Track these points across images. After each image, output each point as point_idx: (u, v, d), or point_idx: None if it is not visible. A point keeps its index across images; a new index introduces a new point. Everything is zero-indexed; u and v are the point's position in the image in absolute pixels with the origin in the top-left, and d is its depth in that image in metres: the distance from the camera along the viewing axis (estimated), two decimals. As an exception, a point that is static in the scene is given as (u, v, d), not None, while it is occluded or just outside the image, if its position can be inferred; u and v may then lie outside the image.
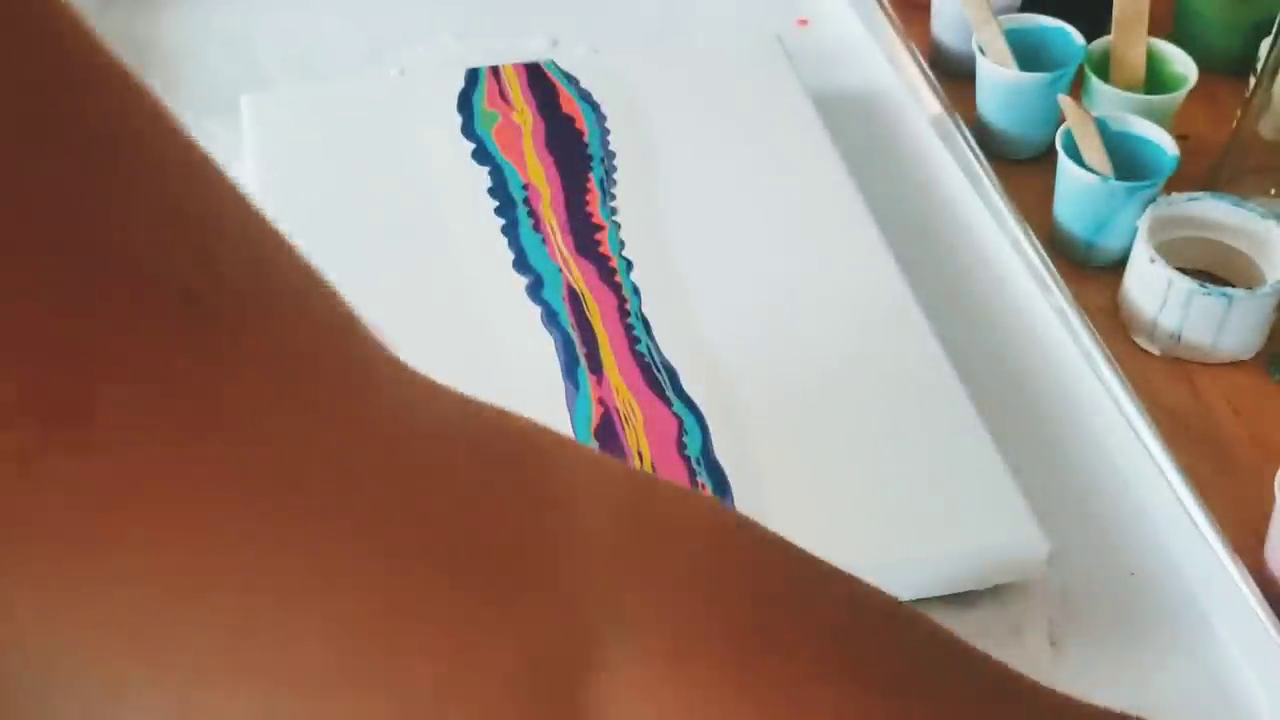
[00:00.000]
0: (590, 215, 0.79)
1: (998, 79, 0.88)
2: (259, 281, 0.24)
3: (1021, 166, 0.89)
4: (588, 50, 0.98)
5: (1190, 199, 0.78)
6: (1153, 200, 0.78)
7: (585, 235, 0.77)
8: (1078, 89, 0.88)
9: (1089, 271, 0.82)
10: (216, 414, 0.21)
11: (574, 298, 0.74)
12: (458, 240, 0.77)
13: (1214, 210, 0.78)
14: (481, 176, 0.81)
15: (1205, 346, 0.76)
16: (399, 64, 0.97)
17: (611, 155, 0.83)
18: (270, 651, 0.22)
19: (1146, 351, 0.78)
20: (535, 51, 0.98)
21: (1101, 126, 0.80)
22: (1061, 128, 0.81)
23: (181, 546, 0.21)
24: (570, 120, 0.85)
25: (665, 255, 0.76)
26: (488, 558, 0.25)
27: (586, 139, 0.84)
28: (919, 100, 0.91)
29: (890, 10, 0.98)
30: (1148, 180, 0.78)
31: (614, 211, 0.79)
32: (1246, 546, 0.64)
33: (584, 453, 0.32)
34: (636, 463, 0.65)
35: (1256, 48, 0.89)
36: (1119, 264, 0.80)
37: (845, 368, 0.70)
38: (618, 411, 0.67)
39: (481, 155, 0.83)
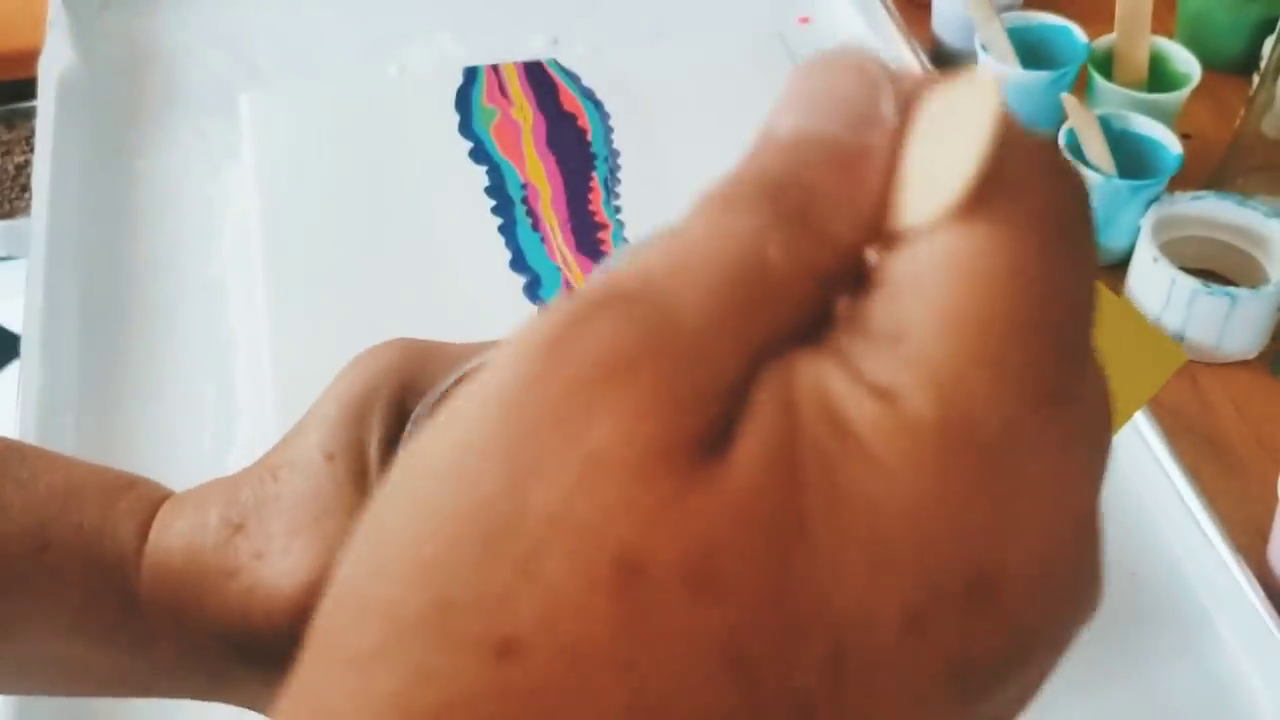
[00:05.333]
0: (593, 214, 0.78)
1: (1000, 77, 0.87)
2: None
3: (1024, 165, 0.89)
4: (588, 49, 0.97)
5: (1194, 198, 0.78)
6: (1156, 199, 0.78)
7: (587, 234, 0.77)
8: (1081, 87, 0.87)
9: (1092, 270, 0.82)
10: None
11: (574, 297, 0.73)
12: (454, 240, 0.77)
13: (1217, 209, 0.78)
14: (479, 175, 0.81)
15: (1209, 346, 0.75)
16: (398, 63, 0.97)
17: (616, 154, 0.82)
18: None
19: (1149, 351, 0.77)
20: (535, 50, 0.97)
21: (1104, 125, 0.80)
22: (1064, 126, 0.80)
23: None
24: (572, 118, 0.85)
25: (666, 254, 0.76)
26: None
27: (589, 137, 0.84)
28: (921, 99, 0.91)
29: (892, 8, 0.98)
30: (1151, 179, 0.78)
31: (618, 210, 0.79)
32: (1250, 547, 0.64)
33: None
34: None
35: (1260, 46, 0.89)
36: (1122, 263, 0.80)
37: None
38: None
39: (479, 154, 0.82)
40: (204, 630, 0.35)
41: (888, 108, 0.19)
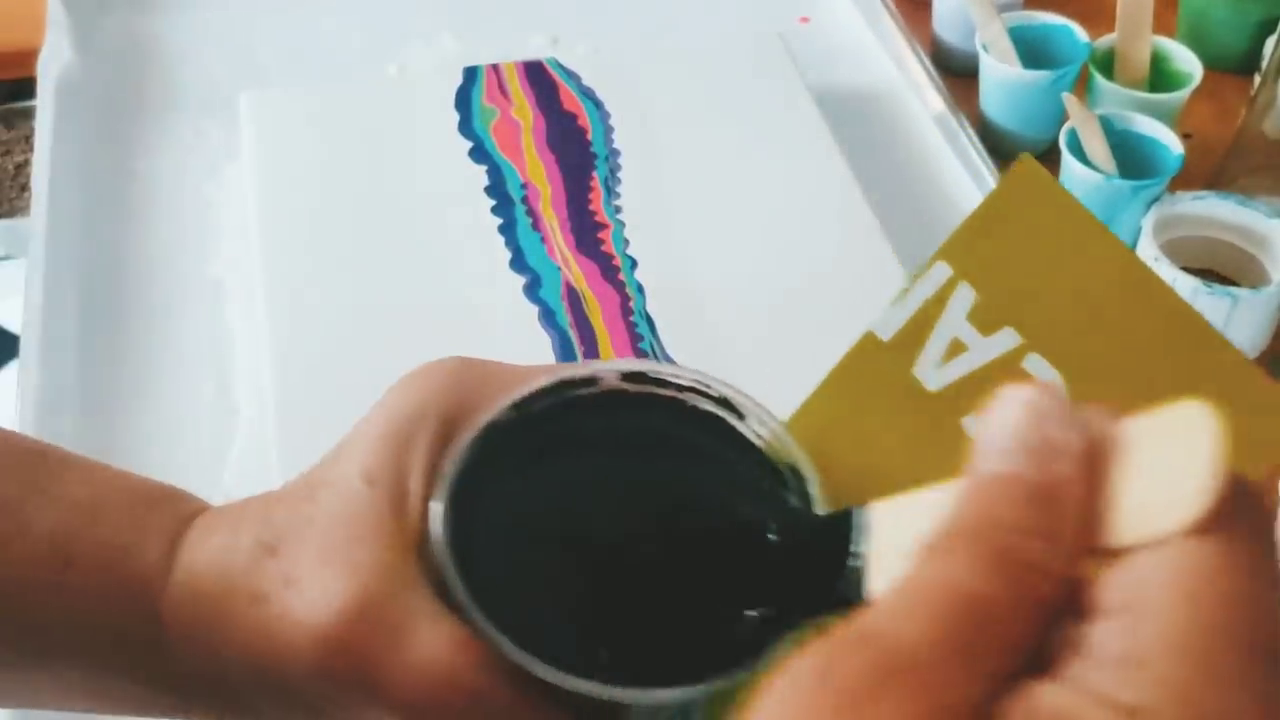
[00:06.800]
0: (593, 214, 0.78)
1: (1001, 77, 0.87)
2: None
3: (1025, 165, 0.89)
4: (588, 49, 0.97)
5: (1195, 198, 0.78)
6: (1157, 199, 0.77)
7: (587, 234, 0.77)
8: (1082, 87, 0.87)
9: (1093, 271, 0.82)
10: None
11: (573, 296, 0.73)
12: (454, 240, 0.77)
13: (1218, 209, 0.78)
14: (479, 175, 0.81)
15: (1210, 346, 0.75)
16: (398, 63, 0.97)
17: (616, 154, 0.82)
18: None
19: (1151, 351, 0.77)
20: (535, 50, 0.97)
21: (1105, 125, 0.80)
22: (1065, 126, 0.80)
23: None
24: (572, 117, 0.85)
25: (670, 254, 0.76)
26: None
27: (589, 136, 0.83)
28: (922, 98, 0.91)
29: (892, 8, 0.98)
30: (1152, 179, 0.78)
31: (618, 210, 0.78)
32: (1252, 548, 0.64)
33: None
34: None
35: (1261, 46, 0.89)
36: (1123, 263, 0.79)
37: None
38: (618, 411, 0.67)
39: (479, 154, 0.82)
40: (231, 661, 0.33)
41: (1070, 439, 0.23)
